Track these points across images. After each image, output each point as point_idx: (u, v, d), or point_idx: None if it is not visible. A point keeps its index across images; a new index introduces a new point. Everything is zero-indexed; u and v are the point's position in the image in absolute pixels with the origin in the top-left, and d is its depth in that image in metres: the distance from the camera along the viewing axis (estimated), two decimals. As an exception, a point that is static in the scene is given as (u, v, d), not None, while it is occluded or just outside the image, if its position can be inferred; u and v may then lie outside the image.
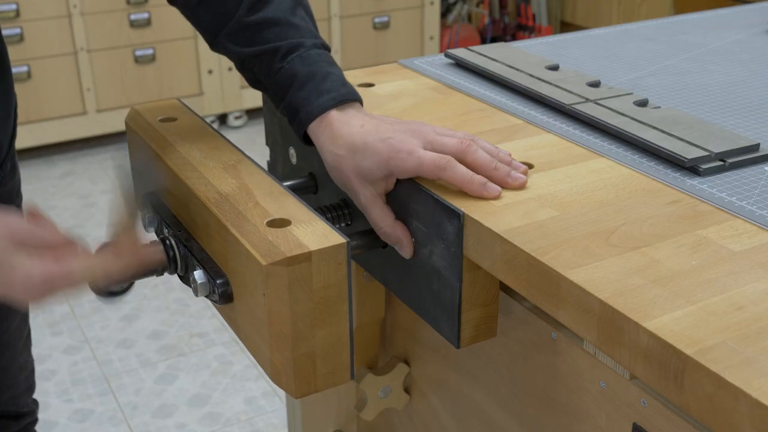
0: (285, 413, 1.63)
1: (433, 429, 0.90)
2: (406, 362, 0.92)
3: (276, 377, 0.67)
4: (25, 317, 1.06)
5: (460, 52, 1.06)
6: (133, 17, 3.18)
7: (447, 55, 1.06)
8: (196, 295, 0.73)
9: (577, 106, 0.86)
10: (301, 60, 0.78)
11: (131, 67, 3.25)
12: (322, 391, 0.69)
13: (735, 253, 0.61)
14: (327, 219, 0.80)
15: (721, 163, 0.75)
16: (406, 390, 0.93)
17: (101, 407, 1.95)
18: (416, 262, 0.74)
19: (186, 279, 0.76)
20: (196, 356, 2.15)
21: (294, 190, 0.88)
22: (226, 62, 3.42)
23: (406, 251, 0.74)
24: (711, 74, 1.02)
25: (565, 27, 4.32)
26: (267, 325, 0.65)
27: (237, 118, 3.57)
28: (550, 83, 0.93)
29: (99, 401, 1.97)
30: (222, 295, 0.71)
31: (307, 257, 0.63)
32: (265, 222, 0.67)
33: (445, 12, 4.03)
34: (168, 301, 2.36)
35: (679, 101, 0.93)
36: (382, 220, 0.74)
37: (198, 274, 0.73)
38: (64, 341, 2.19)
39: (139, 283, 2.47)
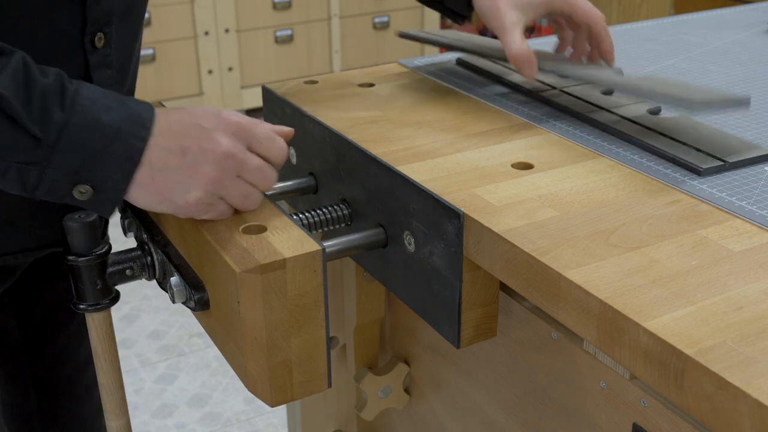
0: (285, 413, 1.63)
1: (433, 429, 0.90)
2: (406, 362, 0.92)
3: (252, 386, 0.67)
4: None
5: (470, 58, 1.06)
6: (133, 17, 3.18)
7: (459, 63, 1.06)
8: (173, 302, 0.73)
9: (592, 114, 0.87)
10: None
11: (131, 67, 3.25)
12: (299, 399, 0.69)
13: (735, 253, 0.61)
14: (327, 219, 0.80)
15: (721, 163, 0.75)
16: (406, 390, 0.93)
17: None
18: (416, 262, 0.74)
19: (164, 285, 0.76)
20: (196, 356, 2.15)
21: (294, 190, 0.88)
22: (226, 62, 3.42)
23: (528, 71, 0.86)
24: (711, 74, 1.02)
25: (565, 27, 4.31)
26: (242, 333, 0.64)
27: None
28: (564, 91, 0.93)
29: (99, 401, 1.96)
30: (198, 301, 0.71)
31: (281, 264, 0.63)
32: (240, 228, 0.67)
33: (445, 12, 4.02)
34: (168, 301, 2.35)
35: (679, 101, 0.93)
36: (520, 43, 0.86)
37: (174, 281, 0.73)
38: (64, 341, 2.19)
39: (139, 284, 2.47)
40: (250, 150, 0.68)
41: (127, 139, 0.64)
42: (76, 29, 0.75)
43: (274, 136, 0.69)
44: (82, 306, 0.77)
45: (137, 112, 0.65)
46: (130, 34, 0.83)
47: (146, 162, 0.65)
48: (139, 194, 0.66)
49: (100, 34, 0.77)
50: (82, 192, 0.64)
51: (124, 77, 0.86)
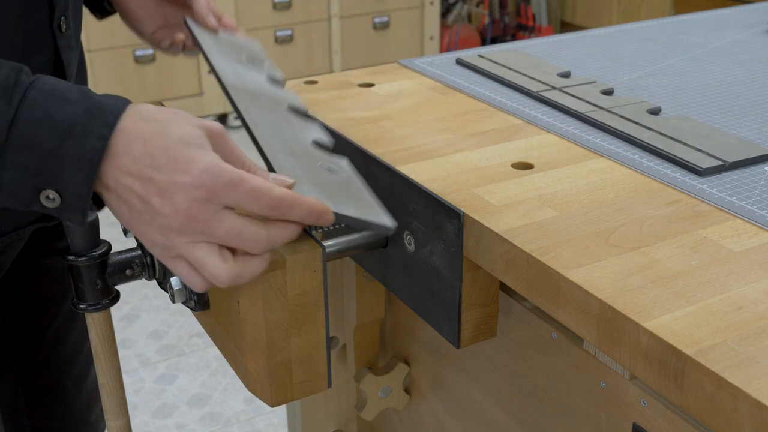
0: (285, 413, 1.63)
1: (433, 429, 0.90)
2: (406, 362, 0.92)
3: (251, 386, 0.67)
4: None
5: (472, 59, 1.06)
6: (133, 17, 3.18)
7: (459, 62, 1.06)
8: (173, 302, 0.73)
9: (592, 114, 0.87)
10: None
11: (131, 66, 3.25)
12: (299, 399, 0.69)
13: (735, 253, 0.61)
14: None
15: (721, 163, 0.75)
16: (406, 390, 0.93)
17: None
18: (416, 262, 0.74)
19: (163, 285, 0.76)
20: (196, 356, 2.15)
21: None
22: (226, 62, 3.42)
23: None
24: (711, 74, 1.02)
25: (565, 27, 4.32)
26: (242, 333, 0.64)
27: (237, 118, 3.58)
28: (564, 91, 0.93)
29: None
30: (198, 302, 0.71)
31: (281, 264, 0.63)
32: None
33: (445, 12, 4.03)
34: (168, 301, 2.35)
35: (679, 101, 0.93)
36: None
37: (175, 281, 0.72)
38: (64, 341, 2.19)
39: (139, 284, 2.47)
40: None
41: (83, 137, 0.56)
42: (45, 17, 0.78)
43: (260, 192, 0.57)
44: (82, 306, 0.77)
45: (99, 105, 0.57)
46: (78, 10, 0.86)
47: (110, 185, 0.58)
48: (111, 208, 0.60)
49: (63, 18, 0.80)
50: (50, 198, 0.58)
51: (81, 55, 0.89)
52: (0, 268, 0.88)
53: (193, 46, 0.90)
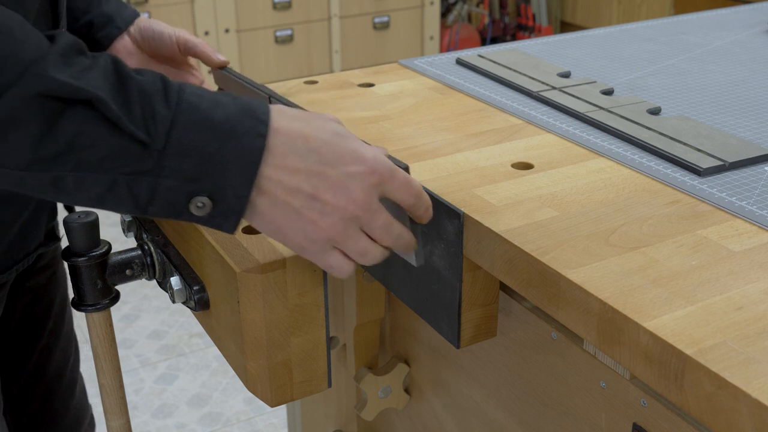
0: (285, 413, 1.63)
1: (433, 429, 0.90)
2: (406, 362, 0.92)
3: (251, 385, 0.67)
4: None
5: (472, 59, 1.06)
6: (133, 17, 3.18)
7: (459, 62, 1.06)
8: (173, 302, 0.73)
9: (592, 114, 0.87)
10: None
11: (131, 67, 3.25)
12: (299, 399, 0.69)
13: (735, 253, 0.61)
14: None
15: (721, 163, 0.75)
16: (406, 390, 0.93)
17: (101, 407, 1.95)
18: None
19: (164, 285, 0.76)
20: (196, 356, 2.15)
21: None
22: (226, 62, 3.42)
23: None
24: (711, 74, 1.02)
25: (565, 27, 4.32)
26: (241, 332, 0.64)
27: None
28: (564, 91, 0.93)
29: (99, 401, 1.96)
30: (198, 301, 0.71)
31: (281, 264, 0.63)
32: (240, 228, 0.66)
33: (445, 12, 4.03)
34: (168, 301, 2.35)
35: (679, 101, 0.93)
36: None
37: (174, 281, 0.72)
38: (64, 341, 2.19)
39: (139, 284, 2.47)
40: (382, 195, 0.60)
41: (243, 136, 0.54)
42: (49, 27, 0.78)
43: (411, 183, 0.60)
44: (82, 306, 0.77)
45: (250, 105, 0.56)
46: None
47: (268, 188, 0.56)
48: (254, 219, 0.58)
49: (62, 23, 0.80)
50: (199, 206, 0.55)
51: None
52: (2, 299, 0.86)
53: None
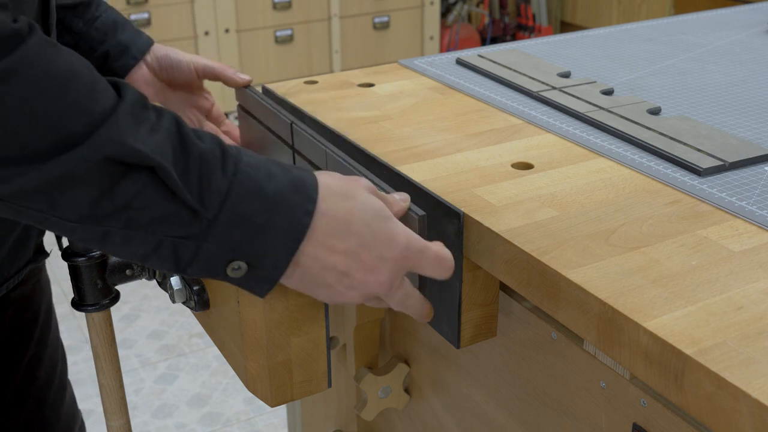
0: (285, 413, 1.63)
1: (433, 429, 0.90)
2: (406, 362, 0.91)
3: (251, 386, 0.67)
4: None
5: (472, 59, 1.06)
6: (133, 17, 3.18)
7: (459, 62, 1.06)
8: (173, 302, 0.73)
9: (592, 114, 0.87)
10: (113, 9, 0.94)
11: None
12: (299, 399, 0.69)
13: (735, 253, 0.61)
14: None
15: (721, 163, 0.75)
16: (406, 390, 0.93)
17: (101, 407, 1.95)
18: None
19: (164, 285, 0.76)
20: (196, 356, 2.15)
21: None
22: (225, 62, 3.42)
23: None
24: (711, 74, 1.02)
25: (565, 27, 4.32)
26: (241, 332, 0.64)
27: (237, 117, 3.57)
28: (564, 91, 0.93)
29: (99, 401, 1.96)
30: (198, 301, 0.71)
31: None
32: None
33: (445, 12, 4.03)
34: (168, 301, 2.35)
35: (679, 101, 0.93)
36: None
37: (174, 281, 0.72)
38: (64, 341, 2.18)
39: (139, 284, 2.47)
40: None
41: (292, 211, 0.56)
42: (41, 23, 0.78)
43: (441, 259, 0.63)
44: (82, 306, 0.77)
45: (300, 179, 0.57)
46: None
47: (305, 262, 0.58)
48: (284, 281, 0.59)
49: (52, 36, 0.80)
50: (235, 269, 0.56)
51: None
52: None
53: None
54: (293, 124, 0.84)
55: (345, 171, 0.75)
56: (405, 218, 0.66)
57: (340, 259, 0.58)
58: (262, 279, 0.57)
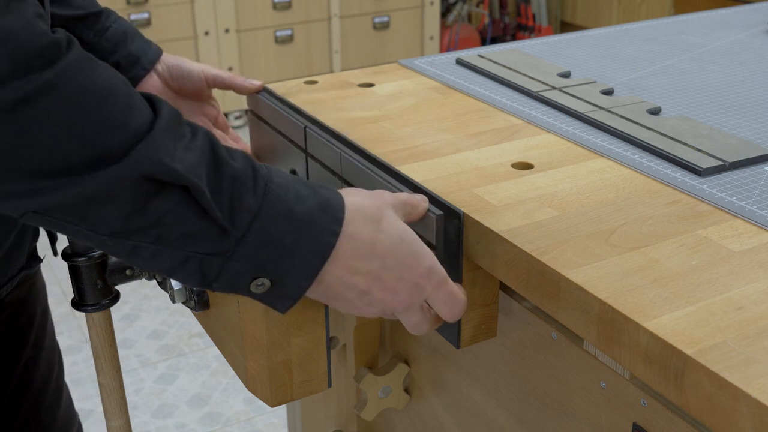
0: (285, 413, 1.63)
1: (433, 429, 0.90)
2: (406, 362, 0.91)
3: (251, 386, 0.67)
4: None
5: (472, 59, 1.06)
6: (133, 17, 3.18)
7: (459, 62, 1.06)
8: (173, 302, 0.73)
9: (592, 114, 0.87)
10: (122, 20, 0.94)
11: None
12: (299, 399, 0.69)
13: (735, 253, 0.61)
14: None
15: (721, 163, 0.75)
16: (406, 390, 0.93)
17: (101, 407, 1.95)
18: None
19: (164, 285, 0.76)
20: (196, 356, 2.15)
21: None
22: (225, 62, 3.42)
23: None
24: (711, 74, 1.02)
25: (565, 27, 4.32)
26: (242, 332, 0.64)
27: (237, 117, 3.57)
28: (564, 91, 0.94)
29: (99, 401, 1.96)
30: (198, 301, 0.71)
31: None
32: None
33: (445, 12, 4.03)
34: (168, 301, 2.35)
35: (679, 101, 0.93)
36: None
37: (174, 281, 0.72)
38: (64, 341, 2.19)
39: (139, 284, 2.47)
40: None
41: (319, 233, 0.57)
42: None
43: (455, 301, 0.64)
44: (82, 306, 0.77)
45: (327, 200, 0.58)
46: None
47: (328, 281, 0.59)
48: (309, 293, 0.61)
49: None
50: (258, 285, 0.57)
51: None
52: None
53: None
54: (307, 128, 0.84)
55: (359, 174, 0.76)
56: (424, 217, 0.66)
57: (362, 279, 0.59)
58: (285, 296, 0.58)
